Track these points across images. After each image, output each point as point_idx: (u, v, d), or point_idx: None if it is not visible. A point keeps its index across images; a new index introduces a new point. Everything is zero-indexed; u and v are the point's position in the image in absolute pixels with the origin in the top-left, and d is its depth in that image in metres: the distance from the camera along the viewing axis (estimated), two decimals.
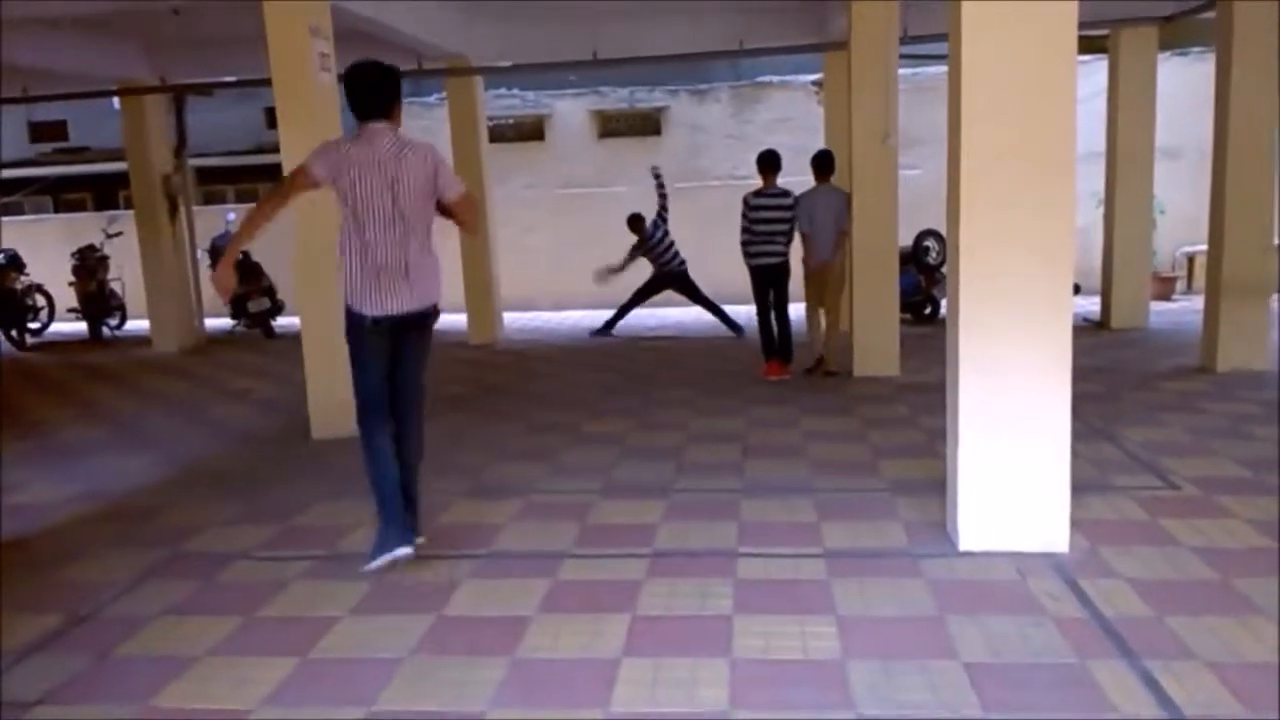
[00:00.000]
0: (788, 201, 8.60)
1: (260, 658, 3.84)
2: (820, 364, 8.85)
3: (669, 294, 11.94)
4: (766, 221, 8.58)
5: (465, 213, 4.35)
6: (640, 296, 11.94)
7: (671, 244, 11.62)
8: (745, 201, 8.71)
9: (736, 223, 8.84)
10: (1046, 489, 4.52)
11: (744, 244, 8.73)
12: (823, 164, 8.65)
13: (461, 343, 11.81)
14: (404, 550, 4.39)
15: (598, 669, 3.63)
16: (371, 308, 4.22)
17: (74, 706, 3.55)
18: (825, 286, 8.72)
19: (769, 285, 8.75)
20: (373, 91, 4.10)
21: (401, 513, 4.44)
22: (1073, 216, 4.45)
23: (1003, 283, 4.43)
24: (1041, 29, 4.31)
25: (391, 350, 4.40)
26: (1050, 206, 4.39)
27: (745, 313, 11.93)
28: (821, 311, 8.87)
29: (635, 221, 11.64)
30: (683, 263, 11.66)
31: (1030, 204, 4.39)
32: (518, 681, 3.57)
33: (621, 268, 11.77)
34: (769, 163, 8.70)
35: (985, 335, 4.48)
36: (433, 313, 4.42)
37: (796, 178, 8.76)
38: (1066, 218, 4.42)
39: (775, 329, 8.83)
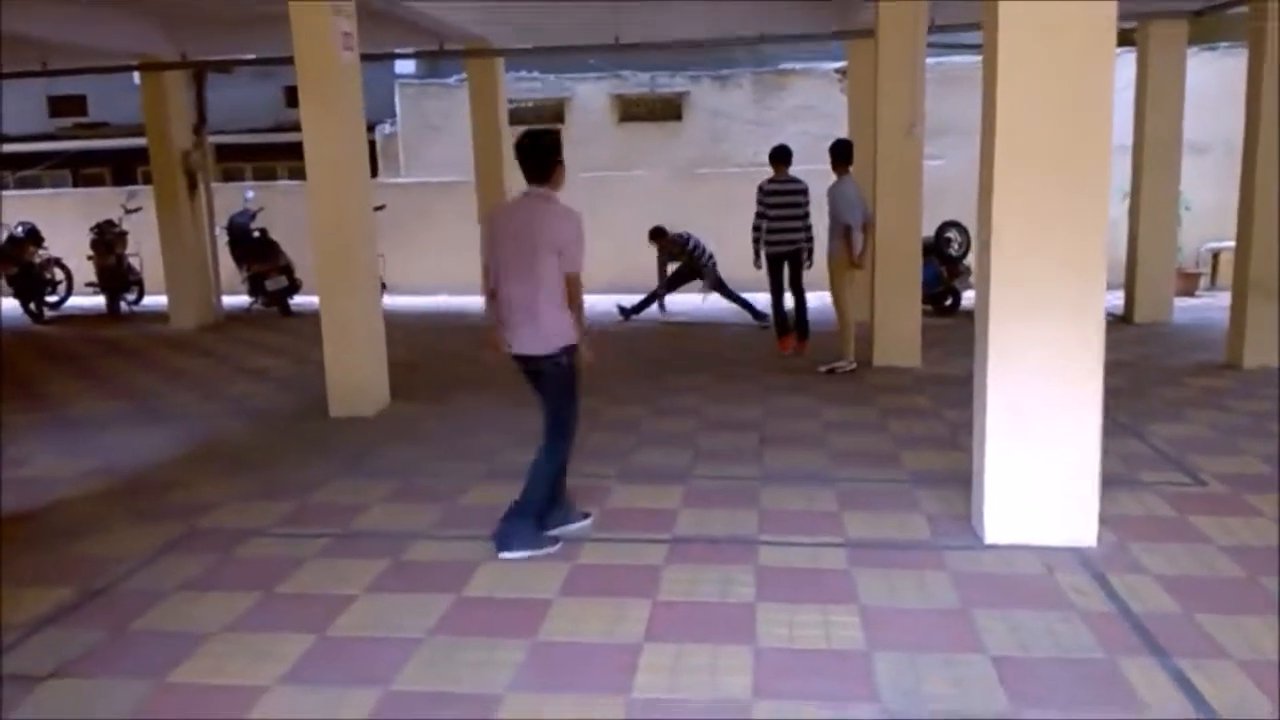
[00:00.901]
0: (801, 187, 8.77)
1: (277, 634, 3.82)
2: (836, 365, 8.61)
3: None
4: (781, 207, 8.77)
5: (569, 287, 4.52)
6: (670, 285, 11.84)
7: (703, 249, 11.59)
8: (760, 189, 8.92)
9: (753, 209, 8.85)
10: (1074, 483, 4.45)
11: (757, 229, 8.93)
12: (848, 154, 8.53)
13: (478, 324, 11.75)
14: (584, 523, 4.88)
15: (619, 654, 3.59)
16: (506, 340, 4.62)
17: (88, 680, 3.53)
18: (855, 277, 8.57)
19: (782, 268, 8.99)
20: (535, 158, 4.56)
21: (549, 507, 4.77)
22: (1106, 211, 4.37)
23: (1034, 276, 4.37)
24: (1079, 24, 4.24)
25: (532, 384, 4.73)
26: (1083, 201, 4.32)
27: (764, 301, 11.88)
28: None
29: (659, 234, 11.54)
30: (712, 257, 11.59)
31: (1063, 198, 4.32)
32: (537, 664, 3.54)
33: (666, 288, 11.78)
34: (781, 156, 8.96)
35: (1014, 328, 4.42)
36: (559, 356, 4.52)
37: (822, 166, 8.66)
38: (1099, 213, 4.35)
39: (795, 305, 9.02)
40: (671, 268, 11.73)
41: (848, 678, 3.39)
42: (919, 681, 3.35)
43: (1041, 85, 4.30)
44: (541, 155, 4.58)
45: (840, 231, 8.34)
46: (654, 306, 11.92)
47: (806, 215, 9.01)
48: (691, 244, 11.51)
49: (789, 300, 9.27)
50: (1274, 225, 7.95)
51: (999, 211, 4.40)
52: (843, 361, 8.48)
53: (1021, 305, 4.40)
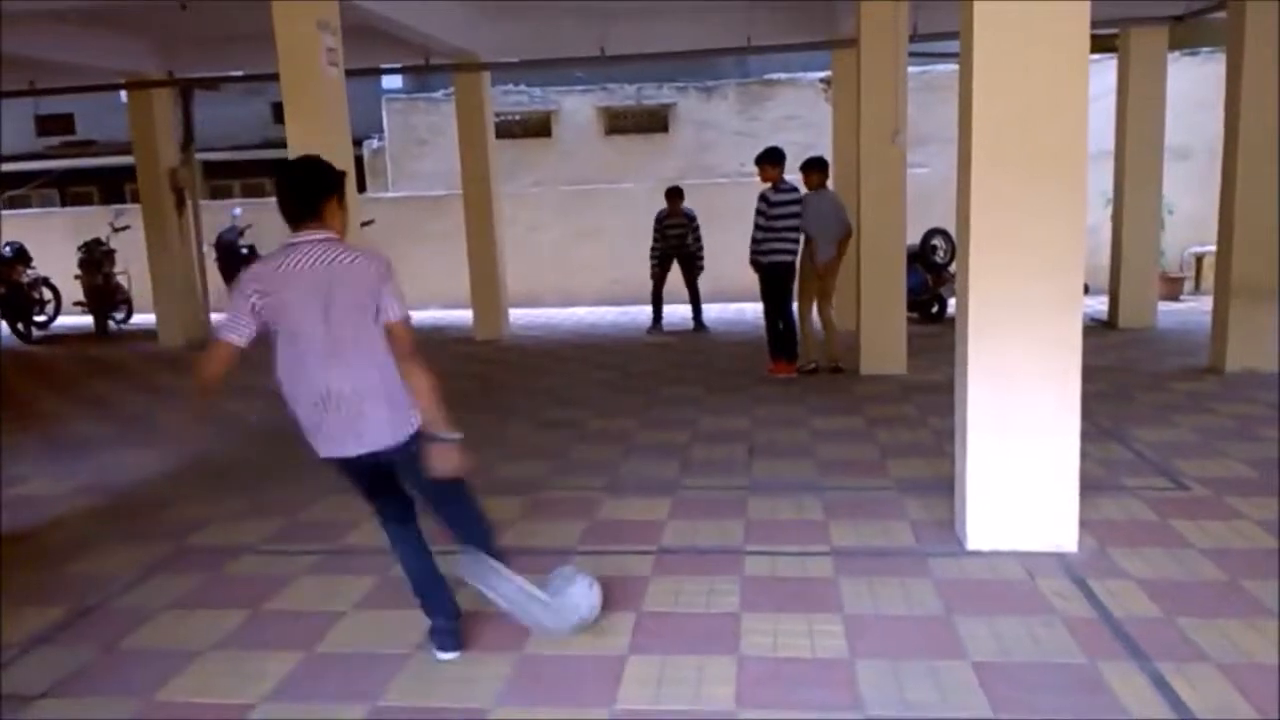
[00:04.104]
0: (798, 197, 8.55)
1: (266, 652, 3.84)
2: (817, 368, 8.83)
3: (670, 292, 11.94)
4: (783, 218, 8.46)
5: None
6: (660, 279, 11.94)
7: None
8: (765, 199, 8.49)
9: (744, 219, 8.78)
10: (1055, 489, 4.50)
11: (759, 241, 8.52)
12: (822, 168, 8.68)
13: (467, 338, 11.80)
14: None
15: (604, 666, 3.61)
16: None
17: (80, 699, 3.55)
18: (826, 286, 8.71)
19: (782, 283, 8.62)
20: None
21: None
22: (1083, 218, 4.42)
23: (1012, 283, 4.41)
24: (1053, 30, 4.29)
25: None
26: (1061, 207, 4.36)
27: (752, 311, 11.96)
28: (816, 312, 8.89)
29: (678, 194, 11.68)
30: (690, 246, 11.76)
31: (1040, 205, 4.36)
32: (523, 678, 3.56)
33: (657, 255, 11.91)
34: (780, 159, 8.58)
35: (995, 335, 4.46)
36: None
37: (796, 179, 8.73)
38: (1077, 219, 4.39)
39: (782, 327, 8.75)
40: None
41: (831, 686, 3.42)
42: (902, 688, 3.38)
43: (1017, 89, 4.34)
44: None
45: (805, 241, 8.55)
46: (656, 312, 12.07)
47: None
48: (696, 222, 11.69)
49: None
50: (1254, 228, 8.02)
51: (976, 217, 4.44)
52: (807, 363, 8.83)
53: (1000, 311, 4.44)
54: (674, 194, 11.69)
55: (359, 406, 3.40)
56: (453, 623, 3.79)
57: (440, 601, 3.80)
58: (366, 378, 3.39)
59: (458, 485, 3.68)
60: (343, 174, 3.63)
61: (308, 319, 3.36)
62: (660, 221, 11.75)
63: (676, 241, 11.67)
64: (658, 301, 11.95)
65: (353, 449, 3.47)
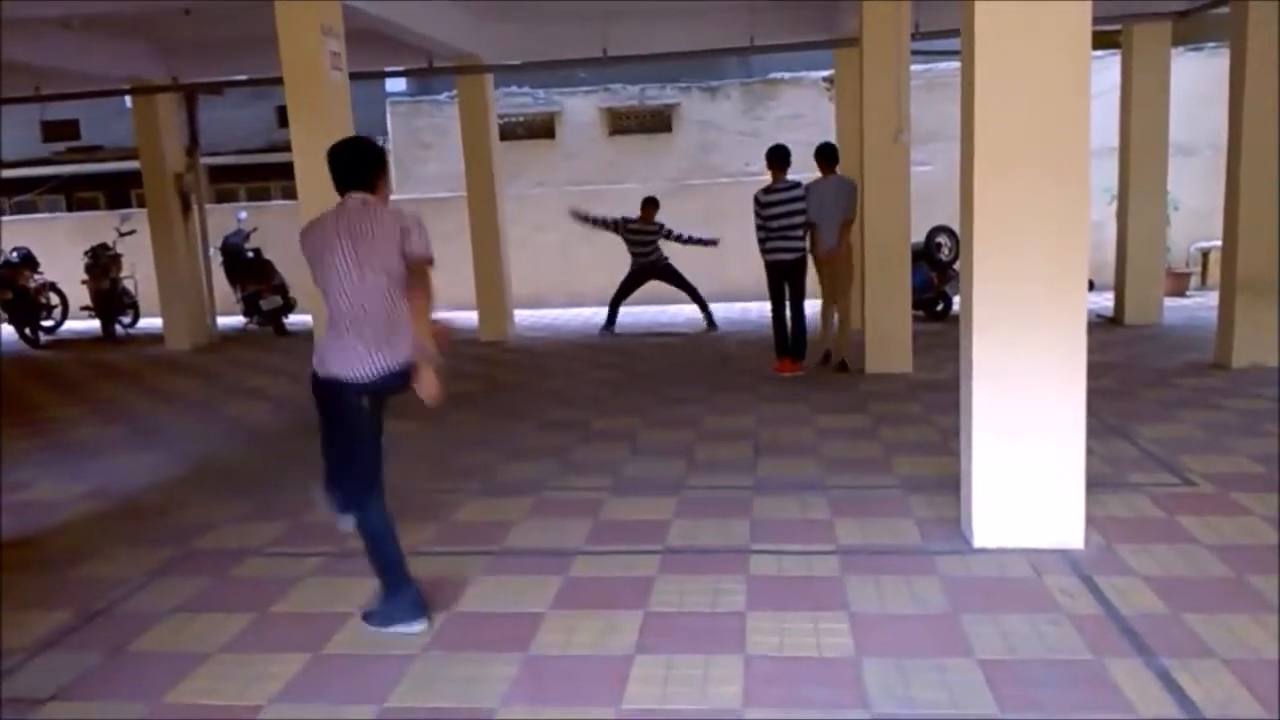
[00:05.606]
0: (800, 193, 8.53)
1: (272, 654, 3.85)
2: (829, 358, 8.89)
3: (670, 292, 11.96)
4: (780, 217, 8.49)
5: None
6: (625, 290, 11.89)
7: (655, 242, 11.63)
8: (756, 200, 8.62)
9: (748, 220, 8.80)
10: (1061, 486, 4.49)
11: (760, 241, 8.66)
12: (828, 156, 8.70)
13: (472, 340, 11.81)
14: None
15: (610, 666, 3.62)
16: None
17: (87, 703, 3.56)
18: (833, 277, 8.73)
19: (784, 281, 8.68)
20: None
21: None
22: (1086, 214, 4.42)
23: (1017, 280, 4.41)
24: (1055, 27, 4.28)
25: None
26: (1064, 205, 4.36)
27: (757, 309, 11.98)
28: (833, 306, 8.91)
29: (653, 204, 11.53)
30: (665, 257, 11.66)
31: (1044, 202, 4.36)
32: (529, 679, 3.56)
33: (591, 222, 11.66)
34: (779, 158, 8.64)
35: (999, 332, 4.46)
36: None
37: (810, 174, 8.72)
38: (1080, 216, 4.39)
39: (790, 325, 8.77)
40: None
41: (837, 684, 3.42)
42: (908, 686, 3.38)
43: (1019, 86, 4.34)
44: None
45: (810, 231, 8.62)
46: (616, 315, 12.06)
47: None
48: (666, 228, 11.53)
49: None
50: (1260, 224, 8.00)
51: (980, 215, 4.44)
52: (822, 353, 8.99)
53: (1004, 308, 4.44)
54: (649, 204, 11.49)
55: (383, 328, 3.84)
56: (418, 588, 4.10)
57: (406, 570, 4.10)
58: (395, 310, 3.85)
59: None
60: (384, 152, 4.19)
61: (340, 261, 3.81)
62: (626, 222, 11.53)
63: (645, 251, 11.53)
64: (616, 304, 11.91)
65: (381, 365, 3.86)
